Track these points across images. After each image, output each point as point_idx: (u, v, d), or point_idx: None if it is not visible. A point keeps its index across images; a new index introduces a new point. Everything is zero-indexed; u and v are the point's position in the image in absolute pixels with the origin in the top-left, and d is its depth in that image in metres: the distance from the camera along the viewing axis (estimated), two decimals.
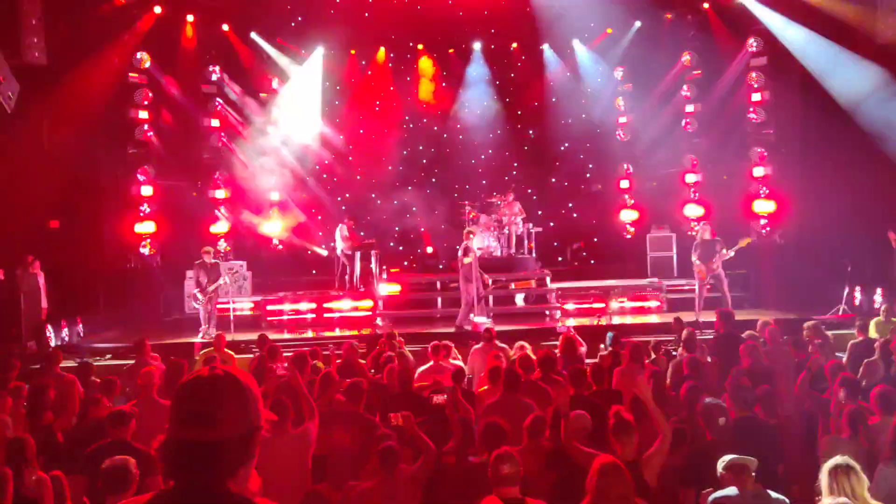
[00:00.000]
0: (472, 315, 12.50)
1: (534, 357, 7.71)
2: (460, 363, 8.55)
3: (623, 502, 3.86)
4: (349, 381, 6.32)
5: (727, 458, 4.30)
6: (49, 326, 12.27)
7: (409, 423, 5.20)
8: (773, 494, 4.31)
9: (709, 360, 7.92)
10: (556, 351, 8.58)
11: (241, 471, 1.85)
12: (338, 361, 8.36)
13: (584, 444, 5.03)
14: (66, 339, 12.64)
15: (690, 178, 16.71)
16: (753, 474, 4.24)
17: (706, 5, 15.81)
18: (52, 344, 11.88)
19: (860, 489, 3.90)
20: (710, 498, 4.34)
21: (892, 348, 7.49)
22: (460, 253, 12.69)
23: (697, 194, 16.66)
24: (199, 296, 12.26)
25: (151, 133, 15.60)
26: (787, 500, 4.30)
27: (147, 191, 15.50)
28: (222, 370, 1.90)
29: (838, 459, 4.03)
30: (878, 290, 12.20)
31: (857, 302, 12.57)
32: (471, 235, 12.93)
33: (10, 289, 12.31)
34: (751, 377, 6.37)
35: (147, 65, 15.44)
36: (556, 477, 5.14)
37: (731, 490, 4.26)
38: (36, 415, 6.56)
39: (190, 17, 15.82)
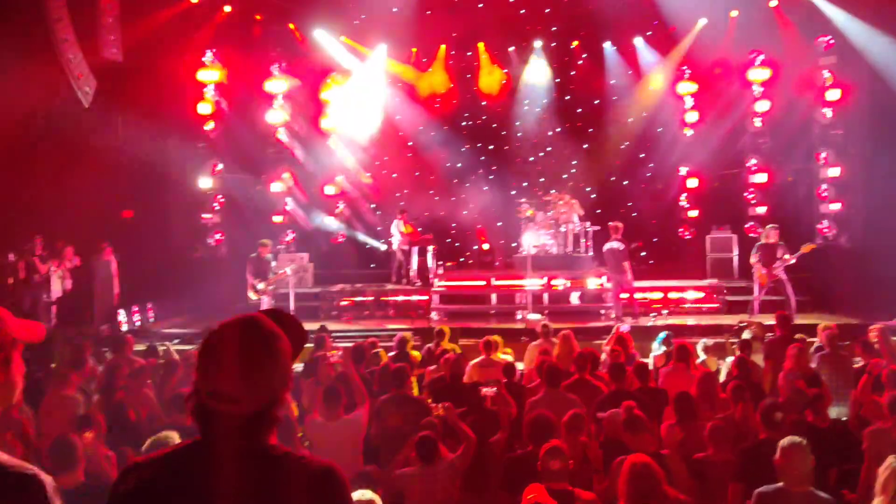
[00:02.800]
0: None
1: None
2: (510, 358, 8.66)
3: (656, 499, 3.92)
4: (395, 367, 6.52)
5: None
6: (121, 311, 12.85)
7: (451, 413, 5.34)
8: (822, 494, 4.29)
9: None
10: (608, 347, 8.63)
11: (272, 431, 1.86)
12: (391, 354, 8.58)
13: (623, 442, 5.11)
14: (137, 324, 13.21)
15: (755, 178, 16.38)
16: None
17: (774, 3, 15.46)
18: (124, 328, 12.44)
19: None
20: (756, 491, 4.35)
21: None
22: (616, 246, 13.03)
23: (761, 195, 16.32)
24: (259, 286, 12.62)
25: (219, 128, 16.16)
26: (834, 501, 4.27)
27: (215, 184, 16.10)
28: (252, 321, 1.87)
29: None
30: None
31: None
32: (617, 229, 13.25)
33: (86, 275, 12.97)
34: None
35: (216, 62, 15.98)
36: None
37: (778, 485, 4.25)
38: (109, 393, 6.96)
39: (258, 16, 16.27)
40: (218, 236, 16.24)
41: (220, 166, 16.24)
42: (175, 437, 4.49)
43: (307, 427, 5.59)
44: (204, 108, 15.99)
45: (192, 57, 15.67)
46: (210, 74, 16.00)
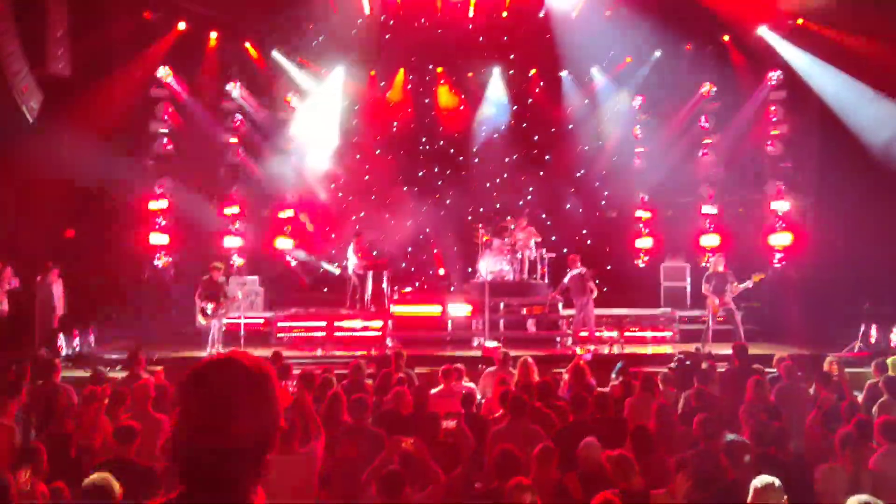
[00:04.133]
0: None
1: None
2: (472, 386, 8.50)
3: None
4: (353, 398, 6.29)
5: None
6: (61, 335, 12.30)
7: (420, 450, 5.15)
8: None
9: None
10: (566, 376, 8.55)
11: (257, 479, 1.70)
12: (343, 382, 8.34)
13: (599, 474, 4.98)
14: (78, 348, 12.66)
15: (706, 208, 16.65)
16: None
17: (726, 37, 15.83)
18: (63, 352, 11.91)
19: None
20: None
21: None
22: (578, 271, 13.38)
23: (713, 225, 16.59)
24: (208, 310, 12.20)
25: (170, 147, 15.77)
26: None
27: (163, 204, 15.65)
28: (239, 360, 1.73)
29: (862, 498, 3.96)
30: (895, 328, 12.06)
31: (873, 340, 12.42)
32: (577, 264, 13.58)
33: (26, 297, 12.40)
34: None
35: (169, 79, 15.64)
36: None
37: None
38: (49, 422, 6.59)
39: (213, 34, 16.00)
40: (160, 259, 15.70)
41: (171, 186, 15.80)
42: (111, 481, 4.20)
43: None
44: (155, 125, 15.61)
45: (144, 73, 15.28)
46: (162, 92, 15.64)
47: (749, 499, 4.12)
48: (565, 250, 17.21)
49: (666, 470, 5.48)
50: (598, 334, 13.40)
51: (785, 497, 4.09)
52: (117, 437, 5.30)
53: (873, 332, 12.39)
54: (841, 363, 8.43)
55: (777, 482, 4.11)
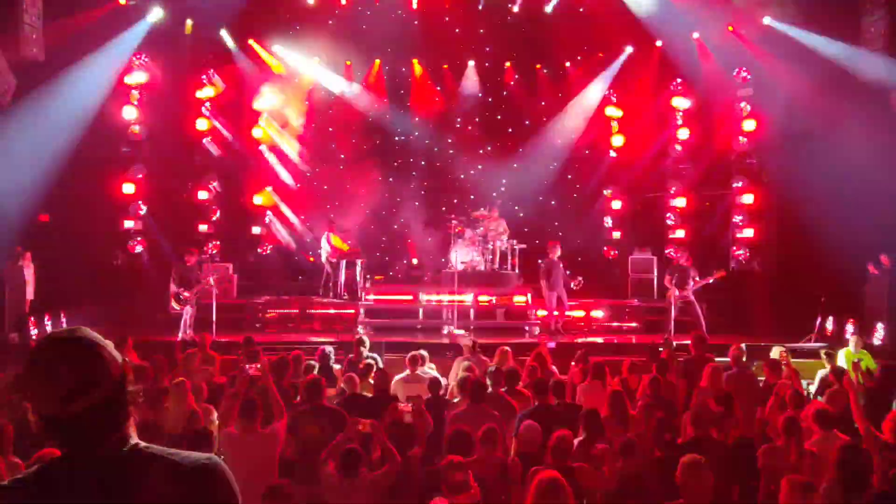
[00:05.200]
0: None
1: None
2: (435, 373, 8.72)
3: None
4: (309, 378, 6.49)
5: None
6: (32, 319, 12.35)
7: (377, 430, 5.36)
8: None
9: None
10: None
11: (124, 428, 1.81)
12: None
13: (537, 455, 5.23)
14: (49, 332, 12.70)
15: (674, 202, 16.99)
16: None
17: (696, 35, 16.12)
18: (34, 336, 11.96)
19: None
20: None
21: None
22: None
23: (680, 219, 16.94)
24: (183, 295, 12.30)
25: (144, 133, 15.79)
26: None
27: (137, 189, 15.68)
28: (67, 335, 1.82)
29: None
30: (850, 321, 12.45)
31: (829, 332, 12.82)
32: (556, 249, 13.74)
33: None
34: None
35: (143, 65, 15.64)
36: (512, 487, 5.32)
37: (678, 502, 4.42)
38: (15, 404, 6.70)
39: (189, 21, 16.01)
40: (134, 245, 15.75)
41: (144, 171, 15.83)
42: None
43: (222, 440, 5.50)
44: (130, 111, 15.61)
45: (118, 58, 15.26)
46: (138, 77, 15.65)
47: (677, 474, 4.36)
48: (537, 241, 17.51)
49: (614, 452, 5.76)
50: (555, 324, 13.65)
51: (711, 475, 4.32)
52: None
53: (829, 323, 12.79)
54: (789, 353, 8.76)
55: (702, 460, 4.36)
